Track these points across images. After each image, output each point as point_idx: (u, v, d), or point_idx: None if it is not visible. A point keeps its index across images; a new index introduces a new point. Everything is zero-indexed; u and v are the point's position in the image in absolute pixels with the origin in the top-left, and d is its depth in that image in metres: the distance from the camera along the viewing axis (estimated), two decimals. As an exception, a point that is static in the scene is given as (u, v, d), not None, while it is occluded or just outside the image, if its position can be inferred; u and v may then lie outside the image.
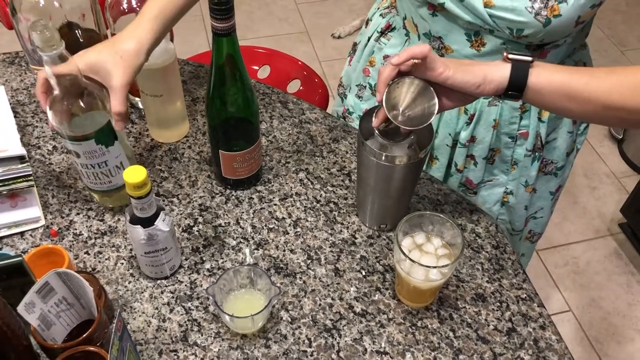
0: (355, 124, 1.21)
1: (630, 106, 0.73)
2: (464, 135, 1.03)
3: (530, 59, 0.75)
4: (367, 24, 1.15)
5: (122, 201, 0.95)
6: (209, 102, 0.89)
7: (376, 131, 0.82)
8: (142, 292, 0.86)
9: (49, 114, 0.80)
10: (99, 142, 0.84)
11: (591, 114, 0.78)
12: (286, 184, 1.02)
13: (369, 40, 1.12)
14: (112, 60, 0.81)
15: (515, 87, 0.75)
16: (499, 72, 0.75)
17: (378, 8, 1.13)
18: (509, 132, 1.02)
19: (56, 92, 0.79)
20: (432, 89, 0.77)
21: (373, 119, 0.82)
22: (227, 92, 0.87)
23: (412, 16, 0.99)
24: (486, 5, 0.85)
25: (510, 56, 0.75)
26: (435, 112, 0.77)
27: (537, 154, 1.04)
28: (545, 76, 0.75)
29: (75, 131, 0.82)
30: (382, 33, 1.09)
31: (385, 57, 1.08)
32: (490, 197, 1.10)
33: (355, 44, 1.19)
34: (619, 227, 2.16)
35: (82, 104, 0.80)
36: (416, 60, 0.74)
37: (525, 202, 1.11)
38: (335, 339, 0.82)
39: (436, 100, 0.77)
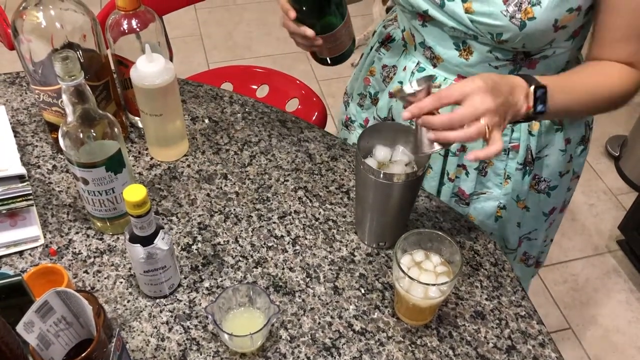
0: (357, 132, 1.22)
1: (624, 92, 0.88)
2: (454, 144, 1.03)
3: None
4: (373, 34, 1.17)
5: (122, 229, 0.95)
6: None
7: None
8: (141, 311, 0.86)
9: (61, 141, 0.82)
10: (108, 169, 0.85)
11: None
12: (285, 202, 1.02)
13: (371, 49, 1.15)
14: None
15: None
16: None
17: (384, 20, 1.15)
18: None
19: (70, 119, 0.80)
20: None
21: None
22: None
23: (409, 27, 1.01)
24: (467, 11, 0.88)
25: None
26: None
27: (527, 168, 1.04)
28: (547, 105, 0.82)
29: (86, 158, 0.83)
30: (382, 43, 1.11)
31: (384, 67, 1.10)
32: (484, 209, 1.10)
33: (362, 54, 1.21)
34: (617, 244, 2.16)
35: (94, 132, 0.82)
36: None
37: (518, 219, 1.11)
38: (335, 358, 0.82)
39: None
